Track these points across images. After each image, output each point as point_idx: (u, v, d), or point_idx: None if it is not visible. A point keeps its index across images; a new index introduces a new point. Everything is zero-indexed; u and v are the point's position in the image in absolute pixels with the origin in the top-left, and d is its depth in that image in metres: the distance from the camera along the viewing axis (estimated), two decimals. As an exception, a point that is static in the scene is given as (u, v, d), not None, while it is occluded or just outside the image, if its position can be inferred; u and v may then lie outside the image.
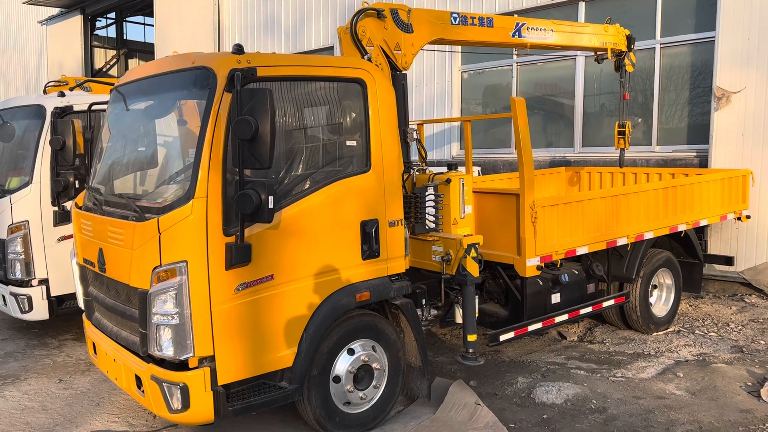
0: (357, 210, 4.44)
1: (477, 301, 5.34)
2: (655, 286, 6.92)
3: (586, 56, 9.91)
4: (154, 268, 3.83)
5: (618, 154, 8.37)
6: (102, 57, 27.02)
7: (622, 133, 7.98)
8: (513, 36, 6.62)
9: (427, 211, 5.13)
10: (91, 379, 5.86)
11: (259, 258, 3.98)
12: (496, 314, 5.84)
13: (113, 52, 26.92)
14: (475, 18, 6.27)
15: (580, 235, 5.81)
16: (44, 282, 6.55)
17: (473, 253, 4.98)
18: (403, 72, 5.77)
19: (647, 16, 9.21)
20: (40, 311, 6.58)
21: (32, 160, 6.49)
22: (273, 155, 3.61)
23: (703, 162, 8.60)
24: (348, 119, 4.53)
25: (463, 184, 5.27)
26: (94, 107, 6.33)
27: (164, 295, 3.79)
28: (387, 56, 5.59)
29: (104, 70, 26.05)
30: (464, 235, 5.05)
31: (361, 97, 4.49)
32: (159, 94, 4.51)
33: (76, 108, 6.61)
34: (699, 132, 8.89)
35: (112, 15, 26.67)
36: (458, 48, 11.44)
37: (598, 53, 7.75)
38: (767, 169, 7.97)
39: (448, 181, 5.16)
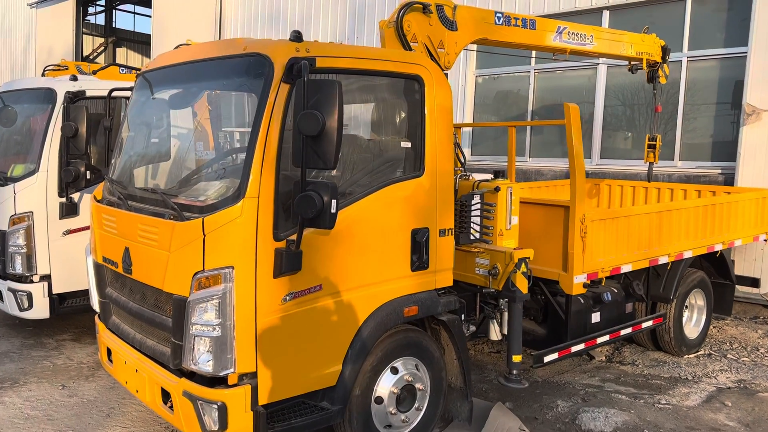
0: (408, 217, 4.10)
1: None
2: (686, 307, 6.67)
3: (608, 65, 9.68)
4: (195, 274, 3.44)
5: (645, 168, 8.11)
6: (90, 44, 26.35)
7: (652, 147, 7.74)
8: (554, 40, 6.34)
9: (472, 221, 4.80)
10: (97, 386, 5.43)
11: (307, 266, 3.61)
12: (532, 332, 5.53)
13: (101, 40, 26.27)
14: (518, 19, 5.98)
15: (625, 252, 5.53)
16: (46, 278, 6.10)
17: (523, 268, 4.66)
18: (446, 71, 5.47)
19: (675, 28, 9.00)
20: (41, 309, 6.12)
21: (39, 147, 6.03)
22: (338, 155, 3.25)
23: (728, 180, 8.40)
24: (404, 118, 4.19)
25: (511, 193, 4.95)
26: (114, 93, 5.90)
27: (206, 303, 3.41)
28: (430, 54, 5.29)
29: (91, 57, 25.38)
30: (514, 249, 4.73)
31: (419, 95, 4.15)
32: (200, 82, 4.12)
33: (89, 93, 6.17)
34: (724, 149, 8.70)
35: (103, 2, 26.05)
36: (474, 52, 11.21)
37: (633, 63, 7.50)
38: (796, 190, 7.77)
39: (497, 189, 4.84)
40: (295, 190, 3.34)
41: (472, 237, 4.81)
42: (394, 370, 4.18)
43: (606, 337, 5.52)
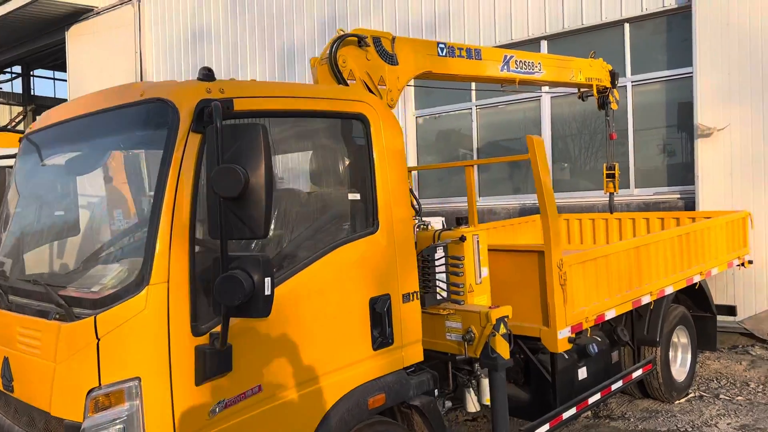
0: (364, 283, 3.36)
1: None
2: (671, 345, 6.10)
3: (552, 96, 9.34)
4: (90, 391, 2.58)
5: (602, 198, 7.68)
6: (6, 114, 24.95)
7: (611, 176, 7.29)
8: (502, 70, 5.83)
9: (437, 278, 4.10)
10: None
11: (241, 363, 2.81)
12: (514, 398, 4.77)
13: (19, 109, 24.87)
14: (462, 49, 5.45)
15: (607, 296, 4.92)
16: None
17: (503, 329, 3.96)
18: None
19: (616, 53, 8.73)
20: None
21: None
22: (270, 218, 2.49)
23: (689, 204, 8.04)
24: (349, 166, 3.48)
25: (478, 241, 4.28)
26: (-3, 162, 4.99)
27: (106, 431, 2.55)
28: (371, 92, 4.66)
29: (10, 127, 23.92)
30: (489, 307, 4.04)
31: (364, 137, 3.46)
32: (92, 140, 3.30)
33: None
34: (681, 172, 8.38)
35: (18, 68, 24.74)
36: (412, 92, 10.76)
37: (583, 90, 7.11)
38: (760, 210, 7.46)
39: (463, 239, 4.16)
40: (215, 270, 2.55)
41: (439, 297, 4.09)
42: (359, 478, 3.36)
43: (597, 396, 4.84)
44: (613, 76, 7.13)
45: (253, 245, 2.86)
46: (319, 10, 11.51)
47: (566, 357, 4.76)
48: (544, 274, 4.41)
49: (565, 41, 9.22)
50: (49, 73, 25.92)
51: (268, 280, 2.47)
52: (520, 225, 8.17)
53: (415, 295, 3.66)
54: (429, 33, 10.15)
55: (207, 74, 2.90)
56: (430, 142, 10.89)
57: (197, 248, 2.68)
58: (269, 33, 12.50)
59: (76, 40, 16.54)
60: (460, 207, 10.14)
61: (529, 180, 9.83)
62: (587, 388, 4.89)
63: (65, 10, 15.97)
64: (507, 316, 4.01)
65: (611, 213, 7.48)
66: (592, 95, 7.04)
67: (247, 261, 2.49)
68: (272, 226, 3.05)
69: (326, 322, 3.17)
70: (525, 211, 9.31)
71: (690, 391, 6.24)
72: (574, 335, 4.53)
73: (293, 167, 3.25)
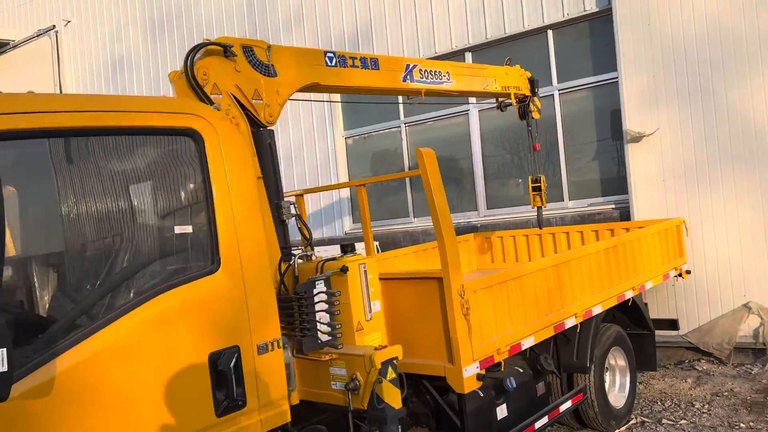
0: (202, 336, 2.76)
1: None
2: (606, 369, 5.63)
3: (480, 110, 8.95)
4: None
5: (534, 214, 7.18)
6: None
7: (537, 189, 6.83)
8: (405, 80, 5.35)
9: (318, 318, 3.52)
10: None
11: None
12: (426, 445, 4.23)
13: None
14: (356, 59, 4.95)
15: (523, 322, 4.41)
16: None
17: (391, 373, 3.40)
18: (269, 128, 4.31)
19: (541, 61, 8.39)
20: None
21: None
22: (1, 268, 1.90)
23: (624, 214, 7.66)
24: (175, 193, 2.90)
25: (365, 271, 3.73)
26: None
27: None
28: (244, 108, 4.13)
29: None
30: (376, 348, 3.47)
31: (197, 158, 2.88)
32: None
33: None
34: (614, 182, 8.01)
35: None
36: (339, 112, 10.26)
37: (500, 100, 6.68)
38: (697, 216, 7.11)
39: (345, 269, 3.60)
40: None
41: (320, 340, 3.51)
42: None
43: (518, 437, 4.30)
44: (533, 83, 6.72)
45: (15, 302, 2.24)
46: (240, 30, 10.99)
47: (481, 395, 4.22)
48: (445, 304, 3.88)
49: (489, 51, 8.85)
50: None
51: (3, 353, 1.86)
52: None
53: (276, 343, 3.07)
54: (352, 47, 9.70)
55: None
56: (362, 164, 10.38)
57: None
58: (191, 58, 11.92)
59: (2, 71, 15.69)
60: (398, 229, 9.64)
61: (464, 198, 9.39)
62: (509, 428, 4.35)
63: (-18, 44, 15.20)
64: (396, 358, 3.45)
65: (540, 228, 7.02)
66: (511, 104, 6.61)
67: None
68: (53, 272, 2.46)
69: (145, 390, 2.56)
70: (460, 231, 8.82)
71: (632, 416, 5.76)
72: (483, 371, 4.00)
73: (98, 195, 2.65)
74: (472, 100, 8.80)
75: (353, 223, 10.29)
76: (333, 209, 10.22)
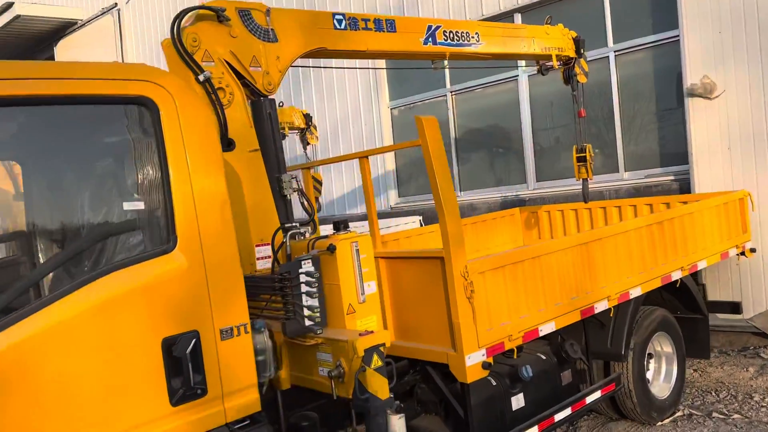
0: (153, 320, 2.57)
1: (402, 427, 3.53)
2: (650, 356, 5.15)
3: (530, 75, 8.38)
4: None
5: (580, 187, 6.66)
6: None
7: (582, 160, 6.31)
8: (426, 43, 4.98)
9: (304, 300, 3.29)
10: None
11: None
12: (434, 434, 3.95)
13: None
14: (369, 20, 4.63)
15: (542, 305, 4.03)
16: None
17: (376, 361, 3.13)
18: (269, 97, 4.08)
19: (595, 21, 7.74)
20: None
21: None
22: None
23: (684, 187, 6.99)
24: (125, 166, 2.71)
25: (357, 250, 3.45)
26: None
27: None
28: (241, 76, 3.92)
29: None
30: (361, 333, 3.20)
31: (151, 128, 2.66)
32: None
33: None
34: (675, 151, 7.33)
35: None
36: (385, 81, 9.92)
37: (541, 62, 6.16)
38: (766, 189, 6.38)
39: (332, 248, 3.34)
40: None
41: (308, 323, 3.28)
42: None
43: (534, 430, 3.94)
44: (578, 44, 6.18)
45: None
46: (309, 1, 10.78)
47: (493, 383, 3.90)
48: (446, 285, 3.56)
49: (540, 11, 8.20)
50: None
51: None
52: (495, 221, 7.30)
53: (243, 328, 2.85)
54: (398, 13, 9.30)
55: None
56: (407, 135, 10.02)
57: None
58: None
59: (65, 54, 16.26)
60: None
61: (512, 170, 8.90)
62: (526, 419, 4.01)
63: (51, 25, 15.73)
64: (382, 345, 3.17)
65: (585, 202, 6.51)
66: (553, 67, 6.09)
67: None
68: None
69: (88, 378, 2.40)
70: (507, 204, 8.38)
71: (679, 407, 5.26)
72: (491, 359, 3.66)
73: (44, 170, 2.48)
74: (521, 64, 8.26)
75: (399, 197, 10.00)
76: (378, 183, 9.94)
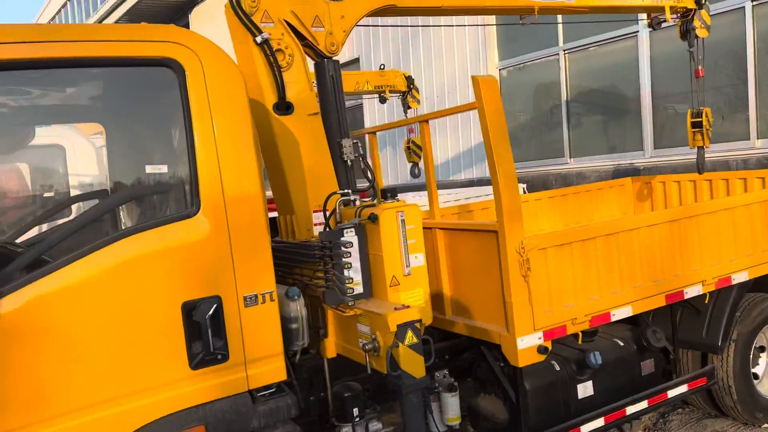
0: (174, 284, 2.58)
1: (456, 405, 3.41)
2: (762, 349, 4.55)
3: (651, 30, 7.57)
4: None
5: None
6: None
7: (698, 125, 5.61)
8: (510, -4, 4.59)
9: (344, 270, 3.19)
10: None
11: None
12: (492, 418, 3.73)
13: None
14: (445, -28, 4.31)
15: (618, 287, 3.63)
16: None
17: (411, 338, 2.97)
18: (332, 58, 3.96)
19: (729, -35, 6.81)
20: None
21: None
22: None
23: (828, 157, 6.05)
24: (150, 130, 2.70)
25: (403, 220, 3.27)
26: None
27: None
28: (302, 37, 3.81)
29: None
30: (396, 308, 3.04)
31: (175, 89, 2.62)
32: None
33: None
34: (819, 115, 6.35)
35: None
36: (494, 40, 9.44)
37: (653, 15, 5.51)
38: None
39: (373, 218, 3.19)
40: None
41: (347, 294, 3.18)
42: None
43: (599, 422, 3.61)
44: (699, -7, 5.44)
45: None
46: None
47: (557, 368, 3.61)
48: (500, 261, 3.30)
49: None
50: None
51: None
52: (601, 191, 6.76)
53: (269, 296, 2.80)
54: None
55: None
56: (517, 97, 9.53)
57: None
58: None
59: (199, 22, 17.12)
60: (551, 171, 8.77)
61: (627, 136, 8.18)
62: (595, 408, 3.69)
63: (183, -7, 16.62)
64: (418, 321, 2.99)
65: (700, 173, 5.80)
66: (666, 20, 5.42)
67: None
68: (17, 209, 2.41)
69: (106, 337, 2.46)
70: (620, 173, 7.74)
71: (793, 410, 4.61)
72: (548, 343, 3.37)
73: (69, 132, 2.54)
74: (642, 16, 7.48)
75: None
76: (472, 152, 9.56)
